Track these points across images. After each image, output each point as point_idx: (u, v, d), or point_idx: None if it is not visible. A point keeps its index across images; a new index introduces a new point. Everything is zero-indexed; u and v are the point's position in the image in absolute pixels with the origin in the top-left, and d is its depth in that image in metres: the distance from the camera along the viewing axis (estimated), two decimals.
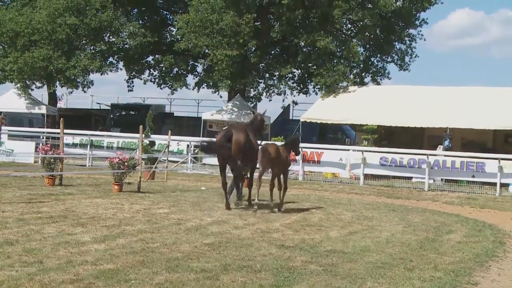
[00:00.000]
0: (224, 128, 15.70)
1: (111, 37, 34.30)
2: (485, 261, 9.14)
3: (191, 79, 36.99)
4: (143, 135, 18.53)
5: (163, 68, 35.85)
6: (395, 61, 35.78)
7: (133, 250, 8.34)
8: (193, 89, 36.70)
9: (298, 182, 23.73)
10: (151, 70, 37.32)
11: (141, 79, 37.16)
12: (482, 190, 22.16)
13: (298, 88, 37.04)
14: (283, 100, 37.98)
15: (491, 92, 28.68)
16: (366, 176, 23.94)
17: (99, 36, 33.16)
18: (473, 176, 22.54)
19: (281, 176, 13.82)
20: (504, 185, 22.36)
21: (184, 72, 35.95)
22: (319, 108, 30.19)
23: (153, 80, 37.21)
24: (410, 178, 23.78)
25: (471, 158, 22.86)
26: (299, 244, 9.47)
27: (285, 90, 35.95)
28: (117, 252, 8.16)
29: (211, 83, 34.75)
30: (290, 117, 41.20)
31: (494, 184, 22.11)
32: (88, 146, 27.45)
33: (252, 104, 38.49)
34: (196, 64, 36.71)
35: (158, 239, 9.24)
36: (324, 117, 28.92)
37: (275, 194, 13.69)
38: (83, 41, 33.69)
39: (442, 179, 23.56)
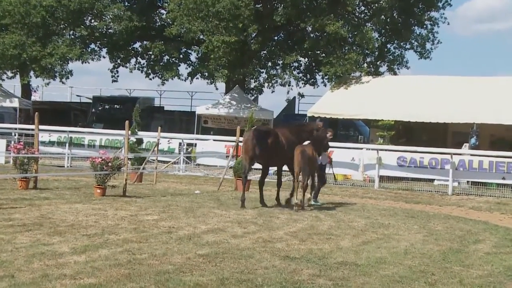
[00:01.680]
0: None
1: (93, 20, 34.36)
2: None
3: (183, 69, 37.15)
4: (129, 132, 18.50)
5: (152, 56, 35.84)
6: (415, 48, 35.76)
7: (118, 262, 8.31)
8: (186, 80, 36.71)
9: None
10: (139, 58, 37.33)
11: (127, 68, 37.18)
12: None
13: (305, 78, 37.06)
14: (288, 92, 38.06)
15: None
16: (382, 178, 23.93)
17: (79, 20, 33.20)
18: (504, 178, 22.52)
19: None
20: None
21: (176, 61, 35.94)
22: (328, 101, 30.18)
23: (140, 69, 37.21)
24: (432, 180, 23.78)
25: (501, 157, 22.84)
26: (305, 255, 9.45)
27: (289, 81, 35.95)
28: (100, 265, 8.14)
29: (206, 73, 34.76)
30: (296, 111, 41.20)
31: None
32: (67, 145, 27.44)
33: (253, 97, 38.52)
34: (189, 51, 36.74)
35: (146, 249, 9.22)
36: (334, 111, 28.91)
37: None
38: (61, 26, 33.73)
39: (468, 182, 23.55)
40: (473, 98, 27.43)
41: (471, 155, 23.63)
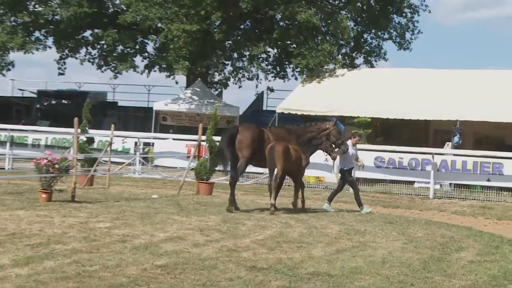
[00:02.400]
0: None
1: (37, 6, 33.92)
2: (504, 285, 9.24)
3: (139, 60, 36.79)
4: (79, 130, 18.35)
5: (105, 46, 35.62)
6: (393, 38, 36.13)
7: (66, 275, 8.24)
8: (142, 73, 36.63)
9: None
10: (89, 48, 37.06)
11: (76, 59, 36.87)
12: (500, 197, 22.47)
13: (274, 71, 37.16)
14: (256, 87, 38.20)
15: (511, 77, 29.03)
16: (358, 181, 24.07)
17: (22, 5, 32.78)
18: (489, 180, 22.84)
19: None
20: None
21: (131, 51, 35.76)
22: (299, 97, 30.31)
23: (91, 60, 36.97)
24: (412, 182, 24.01)
25: (487, 157, 23.14)
26: (274, 265, 9.48)
27: (257, 74, 36.09)
28: (45, 278, 8.06)
29: (164, 65, 34.64)
30: (264, 107, 41.28)
31: None
32: (8, 144, 27.10)
33: (217, 92, 38.51)
34: (146, 41, 36.57)
35: (98, 260, 9.16)
36: (305, 107, 29.03)
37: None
38: (1, 11, 33.25)
39: (450, 184, 23.82)
40: (456, 93, 27.76)
41: (454, 155, 23.90)
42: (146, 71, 36.51)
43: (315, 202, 19.27)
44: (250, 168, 24.98)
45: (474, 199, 22.35)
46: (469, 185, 23.30)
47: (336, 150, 16.95)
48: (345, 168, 17.33)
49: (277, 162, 15.57)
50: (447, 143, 26.59)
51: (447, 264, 10.41)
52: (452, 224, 15.71)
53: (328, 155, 17.23)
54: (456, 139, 26.14)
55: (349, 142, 17.45)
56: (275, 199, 15.80)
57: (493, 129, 28.11)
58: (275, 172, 15.61)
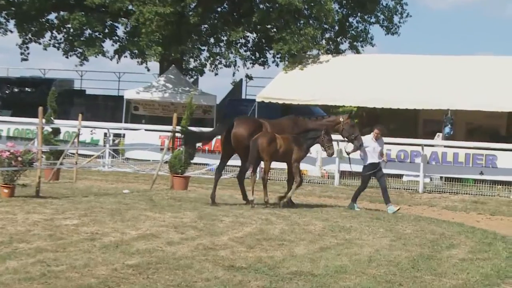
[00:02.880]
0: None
1: None
2: (497, 284, 9.33)
3: (109, 45, 36.58)
4: (44, 120, 18.23)
5: (71, 30, 35.32)
6: (381, 22, 36.22)
7: (30, 276, 8.20)
8: (112, 59, 36.39)
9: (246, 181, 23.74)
10: (54, 32, 36.73)
11: (40, 44, 36.56)
12: (493, 191, 22.65)
13: (253, 57, 37.11)
14: (234, 74, 38.04)
15: (506, 63, 29.18)
16: (343, 174, 24.17)
17: None
18: (482, 173, 23.00)
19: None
20: None
21: (100, 36, 35.49)
22: (280, 84, 30.30)
23: (57, 45, 36.67)
24: (400, 176, 24.12)
25: (479, 149, 23.29)
26: (254, 265, 9.49)
27: (235, 61, 35.98)
28: (7, 279, 8.02)
29: (136, 51, 34.48)
30: (243, 96, 41.24)
31: (509, 183, 22.61)
32: None
33: (192, 79, 38.40)
34: (116, 25, 36.31)
35: (64, 260, 9.13)
36: (287, 96, 29.05)
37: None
38: None
39: (441, 177, 23.95)
40: (447, 80, 27.87)
41: (445, 146, 24.04)
42: (116, 56, 36.28)
43: (297, 197, 19.30)
44: (229, 162, 25.07)
45: (466, 194, 22.51)
46: (461, 179, 23.44)
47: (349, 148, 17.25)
48: (365, 163, 17.08)
49: (262, 155, 15.80)
50: (437, 134, 26.73)
51: (437, 263, 10.48)
52: (443, 220, 15.82)
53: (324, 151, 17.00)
54: (447, 129, 26.27)
55: (370, 136, 17.15)
56: (266, 195, 16.36)
57: (487, 118, 28.30)
58: (263, 166, 16.00)
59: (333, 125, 17.06)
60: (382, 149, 17.23)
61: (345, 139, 17.36)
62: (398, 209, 16.65)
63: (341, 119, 17.13)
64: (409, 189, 23.15)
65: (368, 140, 17.10)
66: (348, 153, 17.64)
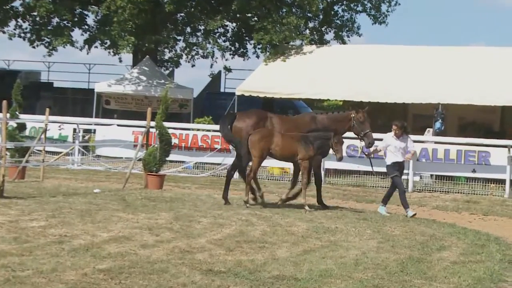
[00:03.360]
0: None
1: None
2: None
3: (78, 35, 36.49)
4: (8, 114, 18.11)
5: (37, 18, 35.13)
6: (368, 10, 36.29)
7: None
8: (81, 49, 36.19)
9: (232, 180, 23.71)
10: (19, 20, 36.49)
11: (4, 33, 36.32)
12: (486, 190, 22.77)
13: (233, 48, 37.08)
14: (211, 66, 38.04)
15: (499, 55, 29.34)
16: (328, 172, 24.22)
17: None
18: (474, 171, 23.11)
19: None
20: None
21: (69, 25, 35.34)
22: (261, 77, 30.30)
23: (22, 35, 36.41)
24: (386, 174, 24.18)
25: (472, 145, 23.40)
26: (233, 268, 9.50)
27: (213, 52, 35.93)
28: None
29: (107, 41, 34.32)
30: (222, 89, 41.27)
31: (503, 181, 22.75)
32: None
33: (168, 71, 38.34)
34: (85, 13, 36.16)
35: (31, 264, 9.08)
36: (268, 89, 29.06)
37: None
38: None
39: (431, 175, 24.03)
40: (438, 73, 28.00)
41: (436, 142, 24.14)
42: (86, 47, 36.08)
43: (280, 196, 19.31)
44: (207, 159, 25.10)
45: (458, 192, 22.62)
46: (453, 177, 23.53)
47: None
48: (387, 164, 16.79)
49: (252, 151, 16.00)
50: (428, 129, 26.82)
51: (428, 266, 10.54)
52: (433, 221, 15.90)
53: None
54: (438, 124, 26.37)
55: (391, 134, 16.79)
56: (247, 195, 16.47)
57: (479, 113, 28.44)
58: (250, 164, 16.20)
59: (346, 122, 16.90)
60: (406, 147, 16.71)
61: (358, 136, 17.19)
62: (414, 215, 16.27)
63: (352, 115, 16.92)
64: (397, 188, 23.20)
65: (388, 138, 16.83)
66: (366, 155, 17.52)
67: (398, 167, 16.58)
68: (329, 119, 17.07)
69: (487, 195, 22.40)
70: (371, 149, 17.35)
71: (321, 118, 17.19)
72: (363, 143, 17.90)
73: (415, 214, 16.36)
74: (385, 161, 16.93)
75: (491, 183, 23.00)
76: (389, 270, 9.99)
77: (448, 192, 22.75)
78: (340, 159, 16.35)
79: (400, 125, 16.68)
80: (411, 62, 29.27)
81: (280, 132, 16.31)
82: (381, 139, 17.57)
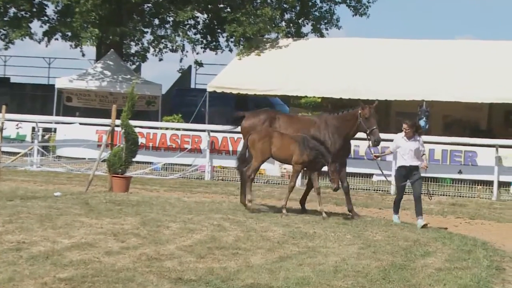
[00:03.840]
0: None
1: None
2: None
3: (37, 27, 36.27)
4: None
5: None
6: (348, 1, 36.38)
7: None
8: (40, 42, 35.94)
9: (204, 182, 23.77)
10: None
11: None
12: (473, 192, 22.94)
13: (204, 41, 37.04)
14: (181, 60, 38.00)
15: (487, 48, 29.55)
16: (306, 173, 24.23)
17: None
18: (460, 172, 23.23)
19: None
20: (504, 184, 23.18)
21: (27, 16, 35.11)
22: (235, 72, 30.31)
23: None
24: (370, 175, 24.28)
25: (458, 145, 23.53)
26: (204, 277, 9.50)
27: (183, 45, 35.90)
28: None
29: (69, 33, 34.15)
30: (192, 85, 41.19)
31: (490, 183, 22.91)
32: None
33: (134, 66, 38.22)
34: (45, 3, 35.94)
35: None
36: (242, 85, 29.07)
37: None
38: None
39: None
40: (422, 68, 28.15)
41: None
42: (46, 39, 35.83)
43: (255, 201, 19.33)
44: (176, 160, 25.06)
45: (443, 195, 22.77)
46: (437, 178, 23.62)
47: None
48: (396, 166, 16.45)
49: (251, 152, 16.29)
50: None
51: (411, 273, 10.59)
52: (426, 224, 15.94)
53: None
54: (422, 123, 26.45)
55: (401, 135, 16.22)
56: (243, 194, 16.61)
57: (466, 110, 28.64)
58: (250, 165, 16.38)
59: (354, 120, 16.62)
60: (419, 149, 16.03)
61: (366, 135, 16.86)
62: (426, 225, 15.64)
63: (359, 111, 16.61)
64: (379, 190, 23.32)
65: (398, 139, 16.27)
66: (374, 156, 17.11)
67: (405, 172, 16.01)
68: (338, 119, 16.92)
69: (474, 197, 22.57)
70: (385, 150, 17.32)
71: (331, 118, 17.07)
72: (370, 147, 17.37)
73: (426, 224, 15.67)
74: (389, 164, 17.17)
75: (478, 185, 23.17)
76: (370, 278, 10.03)
77: (432, 194, 22.84)
78: (336, 189, 15.88)
79: (411, 124, 16.06)
80: (394, 56, 29.40)
81: (282, 133, 16.41)
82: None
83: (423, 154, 16.42)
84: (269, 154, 16.26)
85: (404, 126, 15.98)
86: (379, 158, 17.36)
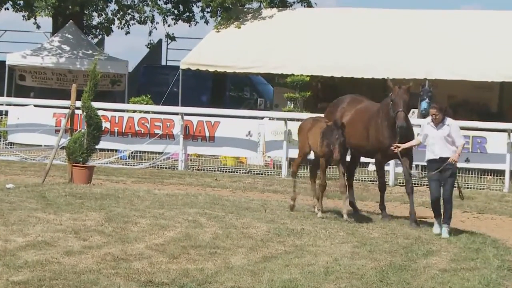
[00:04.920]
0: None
1: None
2: None
3: None
4: None
5: None
6: None
7: None
8: None
9: (177, 172, 23.77)
10: None
11: None
12: (482, 183, 23.00)
13: (176, 12, 36.93)
14: (150, 33, 37.88)
15: (497, 20, 29.50)
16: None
17: None
18: (468, 160, 23.30)
19: None
20: None
21: None
22: (211, 47, 30.25)
23: None
24: (366, 164, 24.32)
25: (465, 130, 23.57)
26: (178, 279, 9.52)
27: (152, 16, 35.81)
28: None
29: (21, 3, 33.98)
30: (163, 62, 41.09)
31: (502, 172, 22.99)
32: None
33: (96, 39, 38.08)
34: None
35: None
36: (220, 61, 29.02)
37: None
38: None
39: (417, 166, 24.20)
40: (424, 42, 28.14)
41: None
42: None
43: (235, 192, 19.39)
44: (145, 147, 24.99)
45: None
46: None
47: None
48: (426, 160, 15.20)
49: None
50: (412, 110, 26.98)
51: (412, 274, 10.65)
52: (419, 221, 16.00)
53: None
54: (424, 104, 26.47)
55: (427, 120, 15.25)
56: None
57: (474, 91, 28.64)
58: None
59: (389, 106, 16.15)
60: (449, 137, 14.59)
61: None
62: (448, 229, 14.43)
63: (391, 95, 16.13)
64: (376, 181, 23.33)
65: (426, 126, 15.07)
66: (395, 147, 15.43)
67: (436, 166, 14.58)
68: (384, 105, 16.40)
69: (483, 189, 22.63)
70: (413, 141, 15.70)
71: (383, 105, 16.56)
72: None
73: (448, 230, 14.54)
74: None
75: (487, 175, 23.23)
76: (366, 280, 10.08)
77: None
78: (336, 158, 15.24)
79: (439, 107, 14.91)
80: (392, 29, 29.36)
81: (320, 123, 16.07)
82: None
83: (462, 146, 15.10)
84: (308, 147, 16.28)
85: (432, 111, 14.85)
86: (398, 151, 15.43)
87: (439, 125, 14.63)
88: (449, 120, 14.72)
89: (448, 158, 14.42)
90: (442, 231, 14.28)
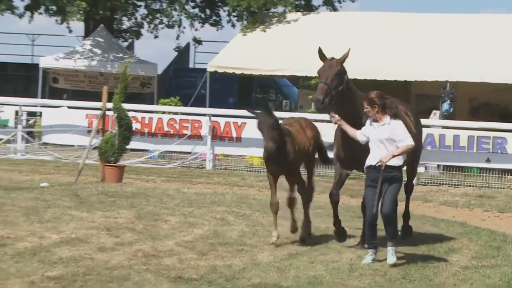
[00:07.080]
0: None
1: None
2: None
3: (18, 0, 36.20)
4: None
5: None
6: None
7: None
8: (21, 17, 35.90)
9: (205, 172, 23.80)
10: None
11: None
12: (503, 182, 22.87)
13: (203, 16, 36.97)
14: (178, 37, 37.90)
15: None
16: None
17: None
18: (489, 160, 23.20)
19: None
20: None
21: None
22: (238, 50, 30.26)
23: None
24: None
25: (486, 131, 23.47)
26: (207, 275, 9.56)
27: (180, 20, 35.85)
28: None
29: (54, 7, 34.10)
30: (190, 65, 41.16)
31: None
32: None
33: (127, 43, 38.19)
34: None
35: None
36: (246, 64, 29.04)
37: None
38: None
39: (438, 166, 24.12)
40: (446, 45, 28.04)
41: (443, 127, 24.17)
42: (28, 14, 35.83)
43: (261, 192, 19.39)
44: (174, 147, 25.01)
45: (470, 186, 22.70)
46: (463, 167, 23.57)
47: None
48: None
49: None
50: (433, 111, 26.90)
51: (434, 271, 10.64)
52: (441, 219, 15.97)
53: None
54: (445, 106, 26.45)
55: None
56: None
57: (495, 93, 28.51)
58: None
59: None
60: (391, 140, 11.31)
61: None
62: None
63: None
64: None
65: (367, 124, 11.92)
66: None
67: (374, 175, 11.29)
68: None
69: (504, 188, 22.49)
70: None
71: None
72: None
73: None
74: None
75: (508, 175, 23.10)
76: (389, 277, 10.08)
77: (458, 185, 22.83)
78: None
79: (370, 99, 12.05)
80: (414, 32, 29.30)
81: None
82: None
83: (406, 148, 11.31)
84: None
85: (364, 102, 12.11)
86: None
87: (378, 124, 11.54)
88: (389, 119, 11.48)
89: (393, 166, 11.14)
90: (388, 254, 10.99)
